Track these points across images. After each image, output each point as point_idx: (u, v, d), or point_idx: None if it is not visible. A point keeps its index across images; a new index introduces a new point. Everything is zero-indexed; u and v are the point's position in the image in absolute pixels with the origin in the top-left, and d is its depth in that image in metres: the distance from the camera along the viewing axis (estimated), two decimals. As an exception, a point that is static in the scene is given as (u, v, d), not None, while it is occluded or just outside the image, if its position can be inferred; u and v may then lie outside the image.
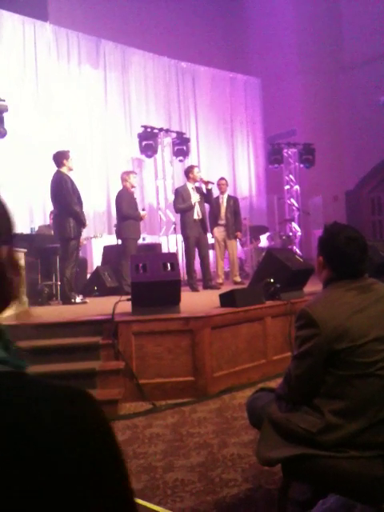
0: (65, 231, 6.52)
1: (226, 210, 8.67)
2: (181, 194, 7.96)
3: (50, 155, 9.87)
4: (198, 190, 8.05)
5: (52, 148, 10.00)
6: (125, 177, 7.87)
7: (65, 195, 6.52)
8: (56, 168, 6.74)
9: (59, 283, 7.01)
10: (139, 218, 7.79)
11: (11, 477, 0.53)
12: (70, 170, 6.77)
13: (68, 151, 6.88)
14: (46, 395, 0.61)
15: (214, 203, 8.61)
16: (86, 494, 0.56)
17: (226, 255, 8.99)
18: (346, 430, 1.83)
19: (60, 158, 6.70)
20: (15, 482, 0.53)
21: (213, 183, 8.20)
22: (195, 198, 7.87)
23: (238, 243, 10.89)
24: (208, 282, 8.02)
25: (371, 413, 1.83)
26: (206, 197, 8.08)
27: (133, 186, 7.86)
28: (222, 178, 9.13)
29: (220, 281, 8.63)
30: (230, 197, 8.95)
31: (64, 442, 0.57)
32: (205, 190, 8.07)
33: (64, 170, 6.68)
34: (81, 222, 6.70)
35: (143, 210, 8.17)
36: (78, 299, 6.62)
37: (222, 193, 8.86)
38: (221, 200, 8.77)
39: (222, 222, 8.67)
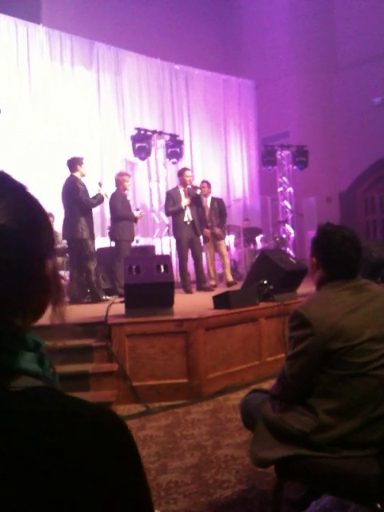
0: (77, 232, 6.71)
1: (210, 213, 8.68)
2: (172, 197, 8.01)
3: (43, 157, 9.95)
4: (190, 192, 8.06)
5: (45, 150, 10.02)
6: (119, 178, 7.86)
7: (79, 198, 6.73)
8: (69, 172, 6.96)
9: (87, 283, 7.03)
10: (134, 219, 7.78)
11: (44, 491, 0.55)
12: (83, 175, 6.98)
13: (82, 158, 7.10)
14: (82, 415, 0.63)
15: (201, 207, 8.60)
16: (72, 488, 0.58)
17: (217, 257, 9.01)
18: (339, 430, 1.83)
19: (74, 163, 6.93)
20: (48, 497, 0.55)
21: (200, 189, 8.19)
22: (185, 201, 7.89)
23: (232, 244, 10.91)
24: (201, 284, 8.02)
25: (365, 412, 1.83)
26: (196, 201, 8.08)
27: (125, 189, 7.85)
28: (204, 181, 9.09)
29: (213, 283, 8.62)
30: (213, 199, 8.92)
31: (97, 464, 0.59)
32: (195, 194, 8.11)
33: (77, 174, 6.90)
34: (91, 217, 7.02)
35: (137, 210, 8.15)
36: (108, 297, 6.76)
37: (205, 196, 8.78)
38: (205, 203, 8.71)
39: (208, 224, 8.68)
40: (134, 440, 0.65)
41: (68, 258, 7.80)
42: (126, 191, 7.86)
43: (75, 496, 0.56)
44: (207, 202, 8.77)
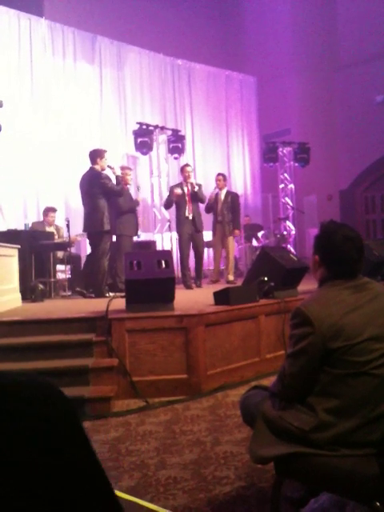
0: (99, 225, 6.75)
1: (223, 207, 8.48)
2: (172, 192, 8.14)
3: (45, 151, 9.94)
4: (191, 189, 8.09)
5: (47, 144, 10.01)
6: (121, 173, 7.83)
7: (109, 189, 6.86)
8: (89, 165, 7.03)
9: (94, 277, 7.02)
10: (137, 203, 7.78)
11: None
12: (103, 169, 7.04)
13: (105, 151, 7.17)
14: (9, 386, 0.60)
15: (213, 200, 8.52)
16: (59, 484, 0.56)
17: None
18: (338, 429, 1.83)
19: (96, 155, 6.99)
20: None
21: (197, 186, 8.13)
22: (178, 190, 7.94)
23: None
24: (197, 281, 8.11)
25: (364, 411, 1.83)
26: (195, 197, 8.07)
27: (127, 183, 7.82)
28: (219, 174, 8.88)
29: (214, 279, 8.58)
30: (228, 192, 8.71)
31: (34, 433, 0.57)
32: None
33: (97, 167, 6.96)
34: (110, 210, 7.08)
35: (137, 189, 8.11)
36: (111, 293, 6.74)
37: (220, 189, 8.63)
38: (219, 196, 8.59)
39: (219, 218, 8.52)
40: (73, 409, 0.62)
41: (69, 251, 7.81)
42: (128, 185, 7.84)
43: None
44: (221, 195, 8.59)
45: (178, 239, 8.15)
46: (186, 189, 8.06)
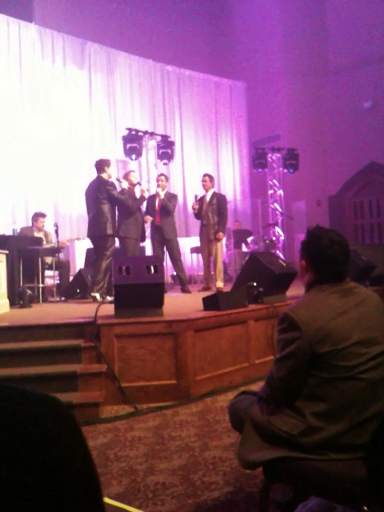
0: (102, 229, 6.91)
1: (207, 209, 8.15)
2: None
3: (33, 155, 9.91)
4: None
5: (36, 148, 9.98)
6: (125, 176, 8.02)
7: (116, 198, 7.05)
8: (96, 174, 7.20)
9: (91, 278, 7.23)
10: (144, 199, 7.86)
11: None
12: (110, 177, 7.20)
13: (109, 160, 7.36)
14: (16, 401, 0.61)
15: (198, 205, 8.32)
16: (57, 499, 0.56)
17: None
18: (327, 433, 1.84)
19: (102, 164, 7.17)
20: None
21: (167, 197, 8.28)
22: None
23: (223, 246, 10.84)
24: (183, 287, 8.14)
25: (352, 415, 1.84)
26: (164, 207, 8.16)
27: (133, 184, 7.87)
28: (205, 175, 8.56)
29: (207, 285, 8.33)
30: (214, 194, 8.34)
31: (36, 449, 0.57)
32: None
33: (104, 176, 7.11)
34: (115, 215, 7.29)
35: (139, 184, 8.12)
36: (99, 297, 6.77)
37: (206, 190, 8.33)
38: (204, 198, 8.30)
39: (205, 221, 8.19)
40: (77, 427, 0.63)
41: (57, 257, 7.79)
42: (136, 185, 7.97)
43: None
44: (207, 196, 8.27)
45: (151, 246, 8.34)
46: (157, 200, 8.16)
